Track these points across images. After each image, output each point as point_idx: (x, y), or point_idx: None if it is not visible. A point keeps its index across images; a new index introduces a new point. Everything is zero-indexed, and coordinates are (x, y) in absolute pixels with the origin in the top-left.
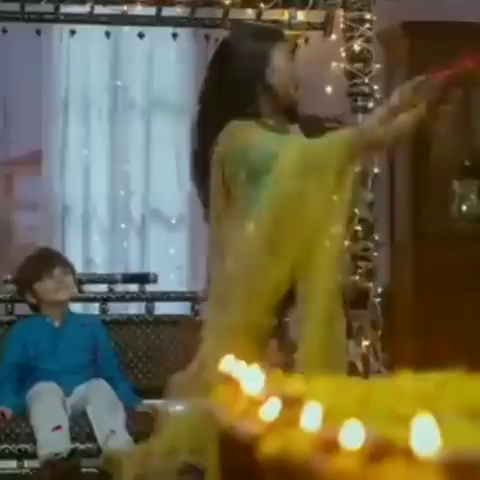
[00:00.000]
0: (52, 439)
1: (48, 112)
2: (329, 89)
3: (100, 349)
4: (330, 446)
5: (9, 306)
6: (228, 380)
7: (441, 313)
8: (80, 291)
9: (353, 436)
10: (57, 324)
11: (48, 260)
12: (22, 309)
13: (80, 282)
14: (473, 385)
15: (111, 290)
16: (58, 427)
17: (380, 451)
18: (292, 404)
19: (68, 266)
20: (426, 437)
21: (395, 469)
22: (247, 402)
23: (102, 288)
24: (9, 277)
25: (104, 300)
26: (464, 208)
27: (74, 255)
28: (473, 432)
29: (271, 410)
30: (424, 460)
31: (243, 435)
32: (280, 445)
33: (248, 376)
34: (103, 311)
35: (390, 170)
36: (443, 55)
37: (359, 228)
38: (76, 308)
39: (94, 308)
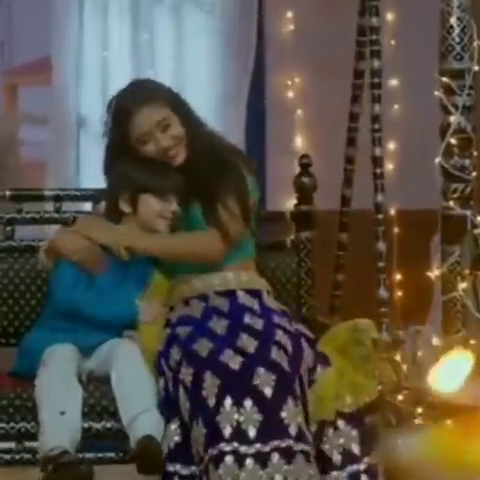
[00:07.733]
0: (58, 425)
1: (59, 10)
2: None
3: None
4: None
5: (8, 229)
6: None
7: None
8: None
9: None
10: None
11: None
12: (23, 231)
13: None
14: None
15: None
16: (64, 413)
17: None
18: None
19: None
20: None
21: None
22: None
23: None
24: (8, 193)
25: None
26: None
27: (91, 173)
28: None
29: None
30: None
31: None
32: None
33: None
34: None
35: None
36: None
37: (454, 141)
38: None
39: None
